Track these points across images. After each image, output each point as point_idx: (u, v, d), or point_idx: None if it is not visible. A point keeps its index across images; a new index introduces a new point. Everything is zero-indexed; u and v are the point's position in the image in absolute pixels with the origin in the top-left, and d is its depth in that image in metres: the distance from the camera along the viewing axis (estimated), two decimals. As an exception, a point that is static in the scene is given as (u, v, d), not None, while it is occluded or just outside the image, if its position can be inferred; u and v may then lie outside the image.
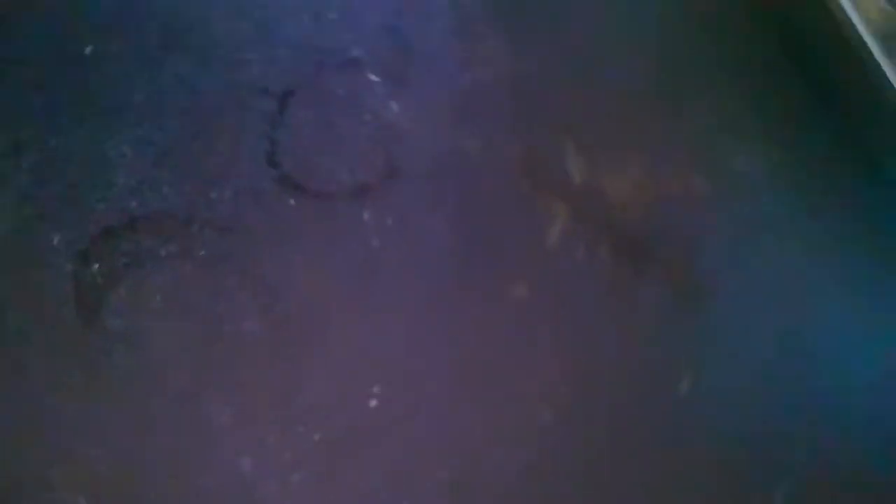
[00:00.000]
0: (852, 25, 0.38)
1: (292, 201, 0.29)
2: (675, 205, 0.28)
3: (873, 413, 0.29)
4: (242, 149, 0.31)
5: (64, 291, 0.29)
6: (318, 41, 0.28)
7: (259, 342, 0.29)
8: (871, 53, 0.34)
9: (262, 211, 0.30)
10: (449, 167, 0.29)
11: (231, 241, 0.29)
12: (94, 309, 0.29)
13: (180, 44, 0.29)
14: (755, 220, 0.27)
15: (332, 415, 0.29)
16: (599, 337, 0.27)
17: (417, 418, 0.27)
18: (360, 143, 0.29)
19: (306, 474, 0.29)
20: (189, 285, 0.29)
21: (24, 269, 0.29)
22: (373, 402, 0.27)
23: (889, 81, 0.30)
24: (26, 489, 0.29)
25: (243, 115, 0.30)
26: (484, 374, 0.28)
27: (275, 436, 0.29)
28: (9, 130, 0.30)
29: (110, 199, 0.29)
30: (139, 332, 0.29)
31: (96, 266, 0.29)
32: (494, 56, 0.28)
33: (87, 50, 0.29)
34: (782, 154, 0.26)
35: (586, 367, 0.27)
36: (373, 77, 0.28)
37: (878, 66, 0.36)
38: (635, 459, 0.27)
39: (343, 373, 0.28)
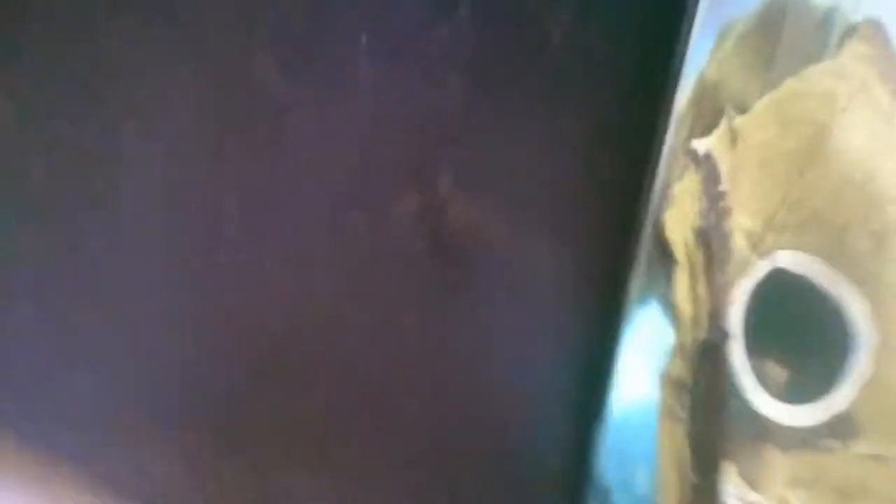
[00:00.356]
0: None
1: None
2: (492, 245, 0.38)
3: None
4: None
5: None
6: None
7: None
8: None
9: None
10: (366, 124, 0.37)
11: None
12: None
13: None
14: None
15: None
16: (381, 287, 0.39)
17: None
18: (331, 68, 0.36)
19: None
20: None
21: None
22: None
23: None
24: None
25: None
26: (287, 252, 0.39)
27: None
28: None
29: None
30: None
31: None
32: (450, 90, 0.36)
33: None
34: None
35: (360, 296, 0.39)
36: (363, 39, 0.35)
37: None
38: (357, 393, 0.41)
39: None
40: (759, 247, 0.29)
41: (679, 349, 0.35)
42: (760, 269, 0.28)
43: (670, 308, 0.35)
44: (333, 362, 0.46)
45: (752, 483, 0.31)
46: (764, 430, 0.29)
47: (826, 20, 0.26)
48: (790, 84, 0.27)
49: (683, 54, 0.31)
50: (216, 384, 0.48)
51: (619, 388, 0.44)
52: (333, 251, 0.39)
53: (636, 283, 0.40)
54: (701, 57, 0.30)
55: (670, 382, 0.37)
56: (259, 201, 0.39)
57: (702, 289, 0.32)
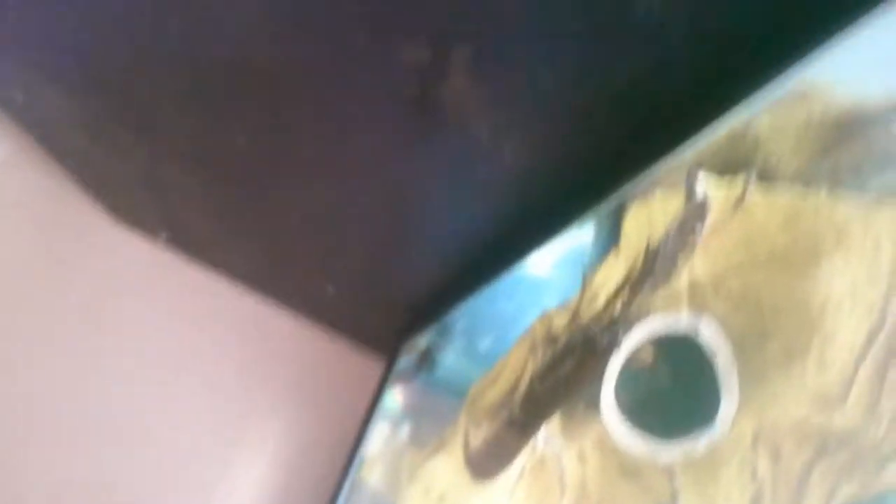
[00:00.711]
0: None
1: None
2: (477, 135, 0.36)
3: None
4: None
5: None
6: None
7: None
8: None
9: None
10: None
11: None
12: None
13: None
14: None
15: None
16: (357, 105, 0.36)
17: None
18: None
19: None
20: None
21: None
22: None
23: None
24: None
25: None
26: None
27: None
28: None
29: None
30: None
31: None
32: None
33: None
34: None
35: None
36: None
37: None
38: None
39: None
40: (694, 297, 0.29)
41: (571, 310, 0.37)
42: (682, 321, 0.29)
43: (584, 274, 0.36)
44: (279, 112, 0.44)
45: (565, 436, 0.35)
46: (597, 418, 0.32)
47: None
48: (821, 197, 0.26)
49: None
50: (153, 82, 0.45)
51: (522, 268, 0.46)
52: (332, 59, 0.35)
53: (588, 217, 0.39)
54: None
55: (545, 324, 0.39)
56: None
57: (625, 290, 0.32)
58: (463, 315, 0.55)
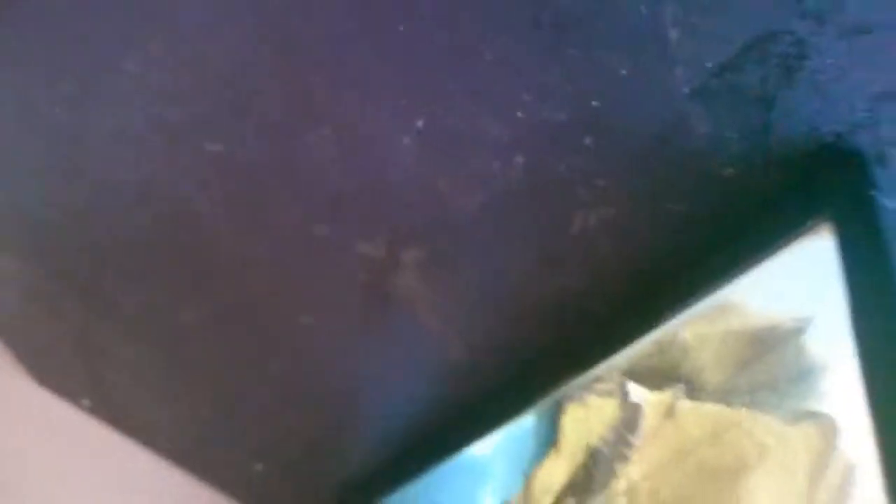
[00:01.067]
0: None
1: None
2: (425, 323, 0.38)
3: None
4: None
5: None
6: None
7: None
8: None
9: None
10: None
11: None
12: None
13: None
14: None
15: None
16: (310, 289, 0.39)
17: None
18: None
19: None
20: None
21: None
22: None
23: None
24: None
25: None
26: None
27: None
28: None
29: None
30: None
31: None
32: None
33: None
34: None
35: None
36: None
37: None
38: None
39: None
40: (631, 502, 0.30)
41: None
42: (620, 531, 0.29)
43: (526, 471, 0.37)
44: (234, 298, 0.45)
45: None
46: None
47: (808, 377, 0.27)
48: (743, 413, 0.28)
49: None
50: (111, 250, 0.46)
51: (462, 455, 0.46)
52: (290, 247, 0.37)
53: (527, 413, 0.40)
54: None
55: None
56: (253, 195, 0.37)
57: (568, 496, 0.33)
58: (400, 500, 0.54)
